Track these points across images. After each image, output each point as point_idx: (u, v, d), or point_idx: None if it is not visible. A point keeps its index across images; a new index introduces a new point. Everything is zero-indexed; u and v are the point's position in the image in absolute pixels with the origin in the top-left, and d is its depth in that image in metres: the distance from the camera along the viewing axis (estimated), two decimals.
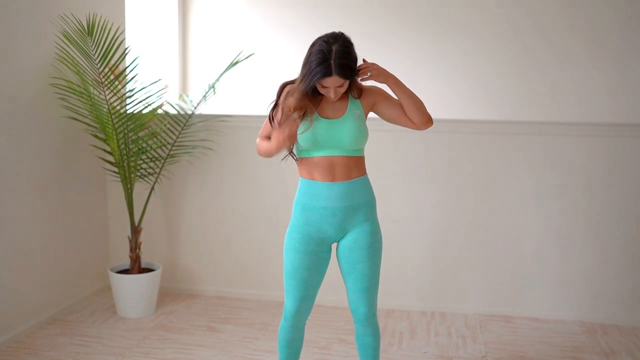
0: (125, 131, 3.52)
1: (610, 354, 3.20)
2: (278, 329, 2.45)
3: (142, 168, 3.74)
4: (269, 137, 2.34)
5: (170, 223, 4.05)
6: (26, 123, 3.31)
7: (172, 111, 3.89)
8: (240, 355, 3.15)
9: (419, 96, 2.25)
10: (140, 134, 3.71)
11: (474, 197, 3.70)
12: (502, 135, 3.66)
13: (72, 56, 3.37)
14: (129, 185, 3.63)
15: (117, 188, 4.01)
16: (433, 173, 3.72)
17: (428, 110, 2.26)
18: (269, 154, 2.29)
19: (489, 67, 5.17)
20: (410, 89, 2.25)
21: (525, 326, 3.56)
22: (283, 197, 3.76)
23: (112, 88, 3.42)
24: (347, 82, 2.15)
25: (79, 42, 3.27)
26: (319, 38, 2.15)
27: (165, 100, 3.81)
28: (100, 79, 3.35)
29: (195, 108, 3.80)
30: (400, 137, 3.70)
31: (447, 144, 3.70)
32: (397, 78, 2.23)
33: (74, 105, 3.52)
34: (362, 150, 2.30)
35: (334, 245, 2.38)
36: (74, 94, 3.42)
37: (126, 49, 3.57)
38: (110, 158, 3.79)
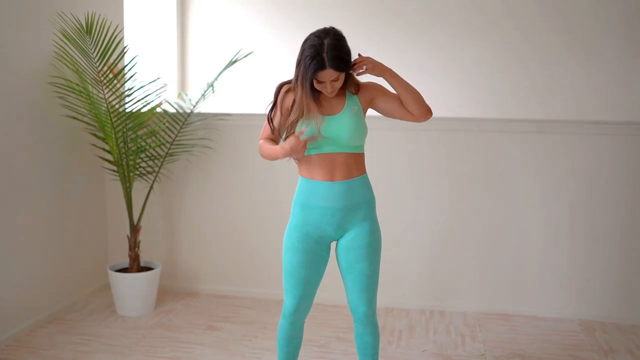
0: (124, 130, 3.52)
1: (609, 352, 3.21)
2: (277, 327, 2.45)
3: (141, 167, 3.74)
4: (270, 139, 2.32)
5: (169, 222, 4.06)
6: (25, 122, 3.31)
7: (171, 110, 3.89)
8: (239, 353, 3.15)
9: (416, 89, 2.24)
10: (139, 132, 3.71)
11: (473, 196, 3.70)
12: (502, 133, 3.66)
13: (70, 55, 3.37)
14: (127, 184, 3.63)
15: (116, 187, 4.00)
16: (432, 171, 3.72)
17: (427, 102, 2.25)
18: (272, 159, 2.28)
19: (488, 64, 5.15)
20: (408, 81, 2.24)
21: (524, 324, 3.57)
22: (282, 196, 3.76)
23: (111, 87, 3.41)
24: (343, 76, 2.15)
25: (77, 40, 3.26)
26: (311, 34, 2.16)
27: (164, 99, 3.81)
28: (99, 78, 3.35)
29: (194, 107, 3.80)
30: (400, 136, 3.70)
31: (446, 143, 3.70)
32: (393, 71, 2.22)
33: (73, 104, 3.52)
34: (361, 147, 2.30)
35: (333, 244, 2.38)
36: (73, 92, 3.42)
37: (125, 47, 3.57)
38: (109, 157, 3.79)
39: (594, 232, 3.61)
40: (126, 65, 3.50)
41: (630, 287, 3.60)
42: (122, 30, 3.89)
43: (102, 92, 3.40)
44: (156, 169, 3.80)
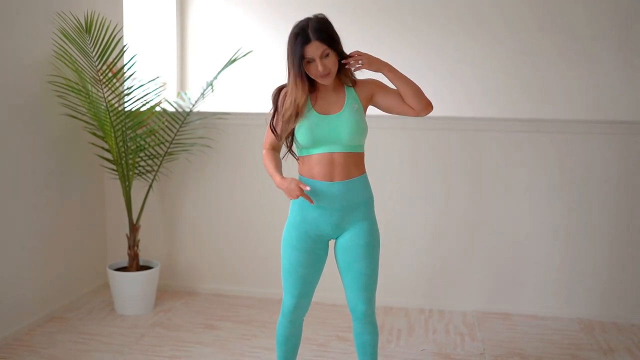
0: (124, 129, 3.52)
1: (608, 352, 3.21)
2: (276, 326, 2.45)
3: (140, 166, 3.74)
4: (273, 148, 2.33)
5: (169, 220, 4.06)
6: (24, 120, 3.31)
7: (170, 109, 3.89)
8: (238, 352, 3.15)
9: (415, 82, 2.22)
10: (139, 131, 3.71)
11: (472, 195, 3.70)
12: (501, 133, 3.66)
13: (70, 54, 3.37)
14: (127, 183, 3.63)
15: (115, 186, 4.00)
16: (431, 170, 3.72)
17: (426, 95, 2.23)
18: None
19: (487, 64, 5.16)
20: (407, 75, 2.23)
21: (523, 323, 3.57)
22: (281, 195, 3.75)
23: (110, 86, 3.41)
24: (334, 57, 2.14)
25: (77, 39, 3.26)
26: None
27: (164, 98, 3.80)
28: (99, 77, 3.35)
29: (194, 106, 3.80)
30: (399, 134, 3.70)
31: (446, 142, 3.70)
32: (391, 65, 2.20)
33: (72, 102, 3.52)
34: (361, 146, 2.28)
35: (331, 242, 2.38)
36: (72, 91, 3.42)
37: (124, 46, 3.57)
38: (109, 156, 3.79)
39: (592, 231, 3.61)
40: (125, 64, 3.50)
41: (629, 286, 3.61)
42: (121, 29, 3.89)
43: (101, 91, 3.40)
44: (155, 167, 3.80)
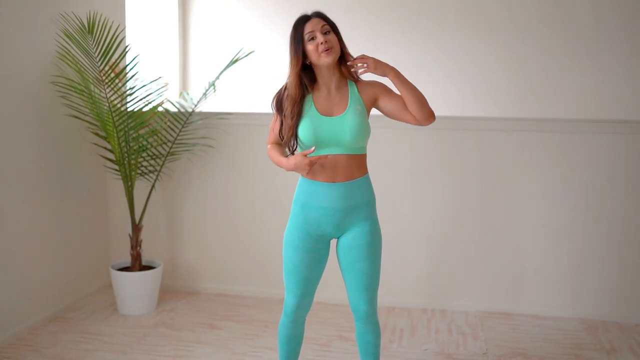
0: (126, 129, 3.53)
1: (611, 351, 3.21)
2: (278, 326, 2.45)
3: (142, 166, 3.75)
4: (278, 144, 2.34)
5: (171, 220, 4.06)
6: (27, 121, 3.32)
7: (173, 109, 3.89)
8: (240, 352, 3.15)
9: (420, 90, 2.22)
10: (141, 131, 3.72)
11: (474, 194, 3.70)
12: (502, 132, 3.65)
13: (72, 54, 3.38)
14: (129, 183, 3.64)
15: (117, 186, 4.01)
16: (433, 170, 3.72)
17: (430, 106, 2.23)
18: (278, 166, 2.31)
19: (491, 63, 5.15)
20: (412, 82, 2.23)
21: (525, 323, 3.57)
22: (283, 194, 3.76)
23: (112, 86, 3.42)
24: (335, 37, 2.17)
25: (79, 40, 3.27)
26: None
27: (166, 98, 3.81)
28: (101, 77, 3.36)
29: (196, 106, 3.80)
30: (401, 134, 3.70)
31: (446, 142, 3.70)
32: (397, 70, 2.20)
33: (75, 103, 3.53)
34: (364, 148, 2.29)
35: (333, 241, 2.38)
36: (75, 92, 3.43)
37: (126, 47, 3.58)
38: (111, 156, 3.80)
39: (595, 230, 3.60)
40: (128, 64, 3.51)
41: (632, 286, 3.60)
42: (123, 29, 3.89)
43: (104, 91, 3.41)
44: (158, 168, 3.81)
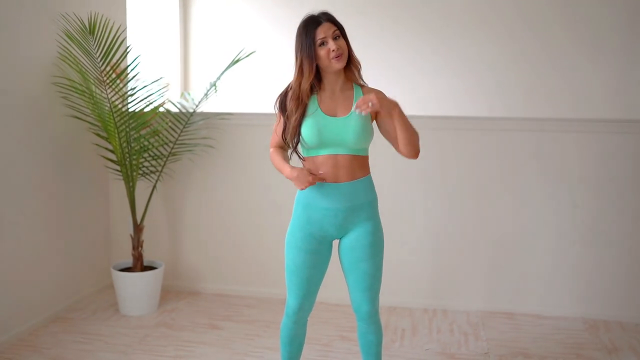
0: (127, 129, 3.53)
1: (612, 351, 3.20)
2: (280, 326, 2.45)
3: (144, 166, 3.75)
4: (280, 147, 2.35)
5: (172, 221, 4.06)
6: (29, 122, 3.32)
7: (174, 109, 3.89)
8: (242, 352, 3.15)
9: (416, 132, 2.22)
10: (142, 132, 3.72)
11: (476, 194, 3.70)
12: (505, 132, 3.65)
13: (74, 55, 3.38)
14: (131, 184, 3.64)
15: (119, 186, 4.01)
16: (435, 170, 3.72)
17: (419, 144, 2.23)
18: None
19: (495, 61, 5.14)
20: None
21: (527, 323, 3.56)
22: (284, 195, 3.76)
23: (113, 86, 3.42)
24: (343, 41, 2.17)
25: (80, 41, 3.27)
26: None
27: (167, 99, 3.81)
28: (102, 78, 3.36)
29: (197, 106, 3.80)
30: None
31: (449, 142, 3.70)
32: (401, 110, 2.17)
33: (76, 103, 3.53)
34: (366, 149, 2.29)
35: (335, 242, 2.38)
36: (76, 92, 3.43)
37: (128, 47, 3.58)
38: (112, 156, 3.80)
39: (598, 230, 3.60)
40: (129, 65, 3.51)
41: (634, 285, 3.59)
42: (124, 30, 3.90)
43: (105, 91, 3.41)
44: (159, 168, 3.81)
